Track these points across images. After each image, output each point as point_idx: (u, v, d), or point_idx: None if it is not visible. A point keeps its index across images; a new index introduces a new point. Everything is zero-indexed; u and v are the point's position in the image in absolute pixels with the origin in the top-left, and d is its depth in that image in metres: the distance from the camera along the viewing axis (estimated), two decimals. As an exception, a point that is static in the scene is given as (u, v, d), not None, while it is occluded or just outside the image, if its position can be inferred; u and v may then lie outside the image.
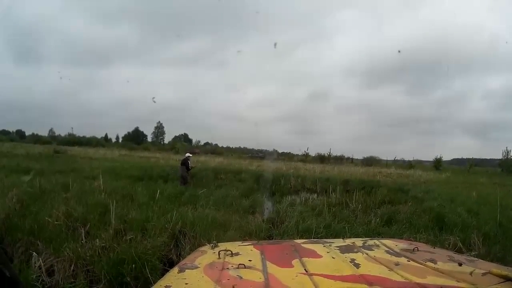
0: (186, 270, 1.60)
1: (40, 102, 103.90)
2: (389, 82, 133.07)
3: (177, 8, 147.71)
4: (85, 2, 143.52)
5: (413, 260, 1.65)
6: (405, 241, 2.16)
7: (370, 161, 53.23)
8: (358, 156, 60.70)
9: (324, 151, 57.21)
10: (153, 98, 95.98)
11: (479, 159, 55.20)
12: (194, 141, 79.99)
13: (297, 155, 61.80)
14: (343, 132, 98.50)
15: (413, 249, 1.83)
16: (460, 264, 1.55)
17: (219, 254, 1.83)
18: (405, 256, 1.73)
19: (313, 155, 56.70)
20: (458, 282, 1.33)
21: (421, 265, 1.58)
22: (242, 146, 78.54)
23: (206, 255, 1.88)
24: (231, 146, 79.64)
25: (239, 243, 2.21)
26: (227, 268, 1.58)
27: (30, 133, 70.39)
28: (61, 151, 31.13)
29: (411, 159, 53.47)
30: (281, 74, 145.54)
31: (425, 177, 26.89)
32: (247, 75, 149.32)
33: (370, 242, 2.10)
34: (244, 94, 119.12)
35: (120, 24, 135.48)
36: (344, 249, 1.91)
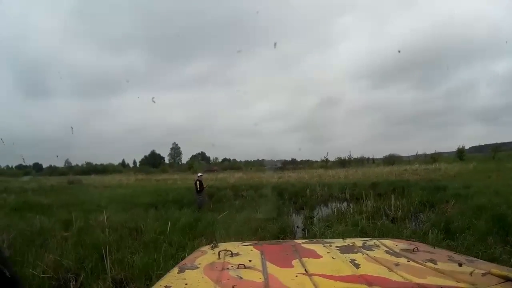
0: (186, 270, 1.60)
1: (55, 135, 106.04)
2: (397, 80, 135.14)
3: (182, 30, 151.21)
4: (91, 34, 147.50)
5: (413, 261, 1.63)
6: (405, 241, 2.14)
7: (391, 160, 53.37)
8: (377, 155, 61.91)
9: (343, 155, 58.29)
10: (153, 98, 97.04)
11: (497, 143, 55.47)
12: (211, 158, 79.73)
13: (316, 161, 63.39)
14: (358, 134, 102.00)
15: (413, 249, 1.82)
16: (460, 264, 1.53)
17: (219, 254, 1.83)
18: (405, 257, 1.71)
19: (332, 160, 57.30)
20: (458, 282, 1.32)
21: (421, 266, 1.56)
22: (260, 159, 79.10)
23: (206, 255, 1.88)
24: (249, 160, 79.92)
25: (239, 243, 2.20)
26: (227, 268, 1.59)
27: (48, 165, 71.21)
28: (75, 181, 30.68)
29: (431, 152, 52.94)
30: (290, 84, 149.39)
31: (452, 169, 26.21)
32: (258, 89, 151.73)
33: (370, 242, 2.08)
34: (256, 107, 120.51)
35: (127, 52, 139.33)
36: (344, 249, 1.89)
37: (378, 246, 1.99)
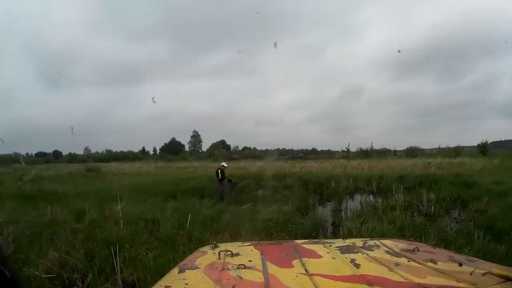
0: (186, 270, 1.61)
1: (76, 123, 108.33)
2: (420, 72, 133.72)
3: (205, 20, 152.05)
4: (114, 24, 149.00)
5: (413, 260, 1.65)
6: (405, 241, 2.13)
7: (413, 152, 53.63)
8: (398, 147, 62.36)
9: (363, 146, 58.78)
10: (153, 98, 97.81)
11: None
12: (232, 147, 79.57)
13: (337, 152, 64.28)
14: (379, 125, 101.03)
15: (413, 249, 1.83)
16: (460, 264, 1.54)
17: (219, 254, 1.84)
18: (405, 256, 1.72)
19: (353, 151, 57.58)
20: (458, 282, 1.33)
21: (421, 265, 1.57)
22: (280, 148, 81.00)
23: (206, 256, 1.88)
24: (269, 149, 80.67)
25: (239, 243, 2.19)
26: (227, 269, 1.59)
27: (67, 153, 72.38)
28: (94, 169, 30.64)
29: (453, 146, 52.21)
30: (313, 74, 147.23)
31: (477, 164, 25.40)
32: (281, 78, 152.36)
33: (370, 242, 2.08)
34: (279, 97, 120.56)
35: (151, 41, 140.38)
36: (344, 250, 1.90)
37: (378, 246, 1.99)
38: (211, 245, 2.11)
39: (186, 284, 1.41)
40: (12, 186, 16.86)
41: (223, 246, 2.04)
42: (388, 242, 2.08)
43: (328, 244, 2.04)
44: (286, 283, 1.38)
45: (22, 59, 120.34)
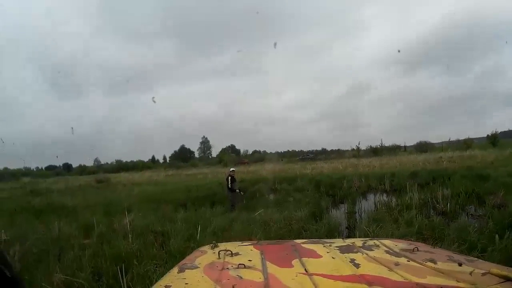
0: (186, 270, 1.61)
1: (85, 134, 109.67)
2: (425, 66, 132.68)
3: (206, 22, 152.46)
4: (119, 29, 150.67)
5: (413, 260, 1.65)
6: (405, 241, 2.13)
7: (423, 147, 53.08)
8: (407, 142, 62.62)
9: (373, 143, 59.81)
10: (153, 97, 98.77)
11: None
12: (242, 151, 79.59)
13: (346, 151, 64.02)
14: (387, 122, 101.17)
15: (413, 249, 1.83)
16: (460, 264, 1.54)
17: (219, 254, 1.85)
18: (405, 256, 1.73)
19: (363, 149, 57.29)
20: (458, 282, 1.33)
21: (421, 265, 1.58)
22: (290, 149, 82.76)
23: (206, 255, 1.89)
24: (279, 151, 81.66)
25: (239, 243, 2.19)
26: (227, 268, 1.60)
27: (77, 165, 72.83)
28: (104, 180, 30.67)
29: (462, 138, 51.57)
30: (319, 73, 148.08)
31: (488, 156, 25.22)
32: (286, 78, 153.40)
33: (370, 242, 2.09)
34: (285, 97, 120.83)
35: (156, 46, 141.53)
36: (344, 249, 1.90)
37: (378, 246, 1.99)
38: (211, 245, 2.12)
39: (186, 283, 1.42)
40: (21, 200, 16.85)
41: (222, 246, 2.06)
42: (387, 242, 2.10)
43: (328, 244, 2.06)
44: (285, 283, 1.39)
45: (29, 70, 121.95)
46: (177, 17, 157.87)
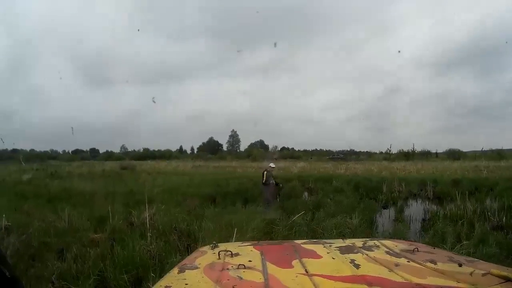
0: (186, 270, 1.60)
1: (115, 122, 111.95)
2: (459, 70, 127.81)
3: (244, 19, 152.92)
4: (156, 24, 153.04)
5: (413, 261, 1.65)
6: (405, 242, 2.15)
7: (456, 154, 52.61)
8: (437, 149, 61.00)
9: (402, 147, 58.02)
10: (153, 98, 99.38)
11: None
12: (270, 147, 78.95)
13: (375, 153, 65.06)
14: (417, 127, 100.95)
15: (413, 250, 1.83)
16: (460, 265, 1.54)
17: (219, 254, 1.83)
18: (405, 257, 1.73)
19: (394, 152, 57.20)
20: (458, 282, 1.34)
21: (421, 266, 1.58)
22: (318, 148, 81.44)
23: (206, 256, 1.88)
24: (308, 149, 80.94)
25: (239, 243, 2.18)
26: (227, 269, 1.59)
27: (104, 151, 74.32)
28: (129, 167, 30.11)
29: (494, 148, 50.93)
30: (350, 72, 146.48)
31: None
32: (317, 77, 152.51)
33: (370, 242, 2.08)
34: (316, 96, 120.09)
35: (190, 40, 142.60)
36: (344, 250, 1.91)
37: (378, 246, 1.98)
38: (211, 245, 2.06)
39: (186, 284, 1.39)
40: (39, 184, 16.23)
41: (223, 246, 2.02)
42: (388, 242, 2.08)
43: (328, 244, 2.03)
44: (286, 283, 1.38)
45: (61, 58, 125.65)
46: (213, 15, 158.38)
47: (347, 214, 8.48)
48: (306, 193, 15.66)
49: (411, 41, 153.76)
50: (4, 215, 6.93)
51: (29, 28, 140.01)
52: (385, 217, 10.79)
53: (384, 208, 12.28)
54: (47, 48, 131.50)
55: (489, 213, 9.36)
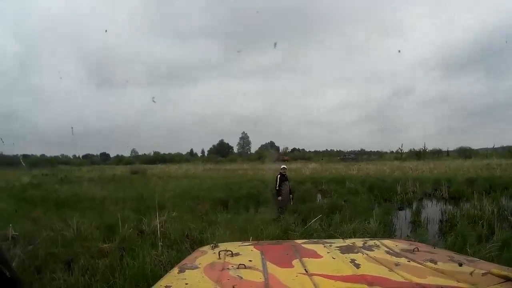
0: (186, 270, 1.61)
1: (125, 125, 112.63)
2: (468, 70, 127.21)
3: (252, 20, 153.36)
4: (164, 25, 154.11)
5: (413, 261, 1.67)
6: (405, 242, 2.16)
7: (467, 153, 52.69)
8: (445, 147, 61.32)
9: (412, 146, 58.21)
10: (153, 98, 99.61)
11: None
12: (281, 148, 78.78)
13: (386, 153, 64.58)
14: (426, 126, 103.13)
15: (413, 250, 1.85)
16: (460, 264, 1.56)
17: (219, 254, 1.85)
18: (405, 257, 1.74)
19: (405, 152, 57.46)
20: (458, 282, 1.34)
21: (421, 265, 1.59)
22: (329, 149, 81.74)
23: (206, 255, 1.90)
24: (318, 150, 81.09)
25: (239, 243, 2.19)
26: (227, 268, 1.60)
27: (115, 155, 74.60)
28: (139, 171, 30.06)
29: (506, 145, 50.54)
30: (360, 73, 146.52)
31: None
32: (326, 78, 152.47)
33: (370, 242, 2.11)
34: (325, 97, 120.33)
35: (199, 41, 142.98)
36: (344, 249, 1.93)
37: (378, 246, 2.01)
38: (211, 245, 2.09)
39: (186, 284, 1.41)
40: (48, 189, 16.16)
41: (223, 246, 2.04)
42: (388, 242, 2.10)
43: (328, 244, 2.05)
44: (286, 283, 1.38)
45: (71, 61, 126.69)
46: (222, 15, 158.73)
47: (364, 218, 8.21)
48: (319, 195, 15.37)
49: (419, 42, 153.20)
50: (10, 225, 6.75)
51: (44, 30, 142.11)
52: (402, 220, 10.50)
53: (400, 210, 11.99)
54: (55, 50, 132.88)
55: (506, 213, 9.35)
